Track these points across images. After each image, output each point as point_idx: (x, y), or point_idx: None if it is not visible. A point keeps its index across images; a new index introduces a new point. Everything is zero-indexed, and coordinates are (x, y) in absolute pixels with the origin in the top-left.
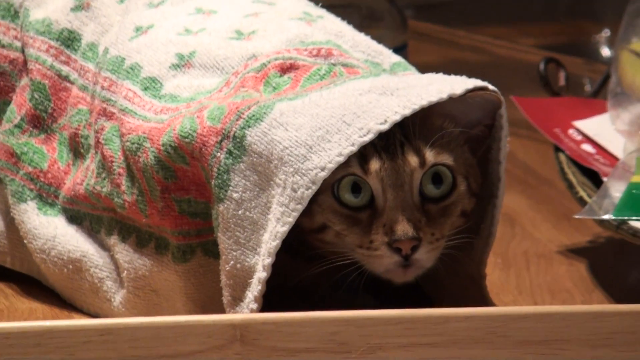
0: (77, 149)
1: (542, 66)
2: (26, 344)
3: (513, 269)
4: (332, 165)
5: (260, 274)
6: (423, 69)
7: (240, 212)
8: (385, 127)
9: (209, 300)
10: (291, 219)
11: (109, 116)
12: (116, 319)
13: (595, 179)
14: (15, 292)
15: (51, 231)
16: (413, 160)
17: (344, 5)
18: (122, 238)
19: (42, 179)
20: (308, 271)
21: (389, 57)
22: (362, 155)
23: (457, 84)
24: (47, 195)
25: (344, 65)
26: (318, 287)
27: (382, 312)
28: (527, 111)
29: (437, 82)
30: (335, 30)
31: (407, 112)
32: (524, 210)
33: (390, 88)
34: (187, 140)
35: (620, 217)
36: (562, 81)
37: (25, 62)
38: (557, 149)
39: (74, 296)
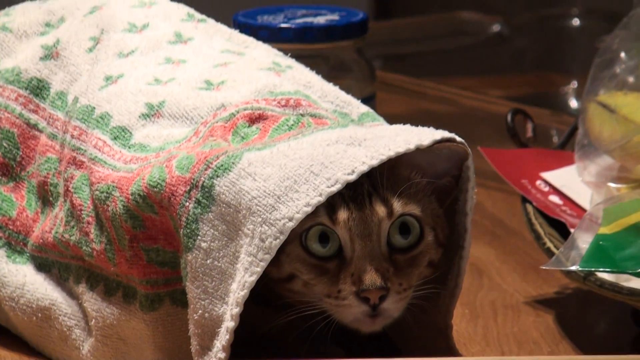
0: (45, 197)
1: (509, 117)
2: None
3: (480, 320)
4: (300, 216)
5: (229, 324)
6: (391, 119)
7: (208, 261)
8: (352, 177)
9: (177, 349)
10: (259, 269)
11: (79, 165)
12: None
13: (562, 230)
14: None
15: (20, 279)
16: (381, 210)
17: (312, 55)
18: (90, 286)
19: (10, 227)
20: (276, 320)
21: (357, 107)
22: (330, 205)
23: (425, 135)
24: (15, 243)
25: (312, 115)
26: (286, 336)
27: None
28: (495, 162)
29: (404, 133)
30: (304, 80)
31: (375, 162)
32: (492, 261)
33: (358, 139)
34: (155, 189)
35: (587, 269)
36: (529, 132)
37: None
38: (525, 200)
39: (42, 344)
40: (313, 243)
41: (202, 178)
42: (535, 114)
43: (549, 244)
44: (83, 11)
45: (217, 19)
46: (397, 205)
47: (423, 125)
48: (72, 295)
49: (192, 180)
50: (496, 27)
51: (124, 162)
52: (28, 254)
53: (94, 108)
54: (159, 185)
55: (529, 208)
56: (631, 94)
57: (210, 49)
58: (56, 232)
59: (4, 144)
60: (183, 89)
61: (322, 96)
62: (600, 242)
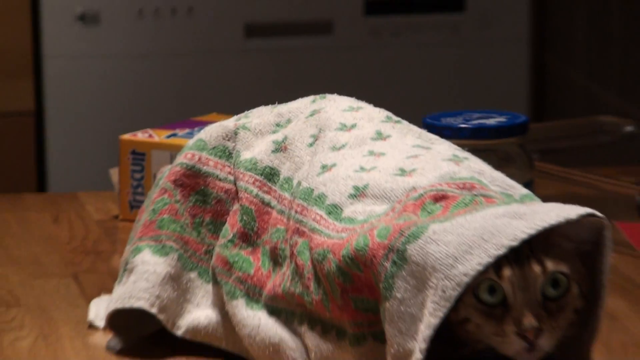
0: (276, 259)
1: (638, 198)
2: None
3: (614, 356)
4: (473, 273)
5: (418, 356)
6: (545, 199)
7: (402, 308)
8: (515, 243)
9: None
10: (441, 314)
11: (301, 234)
12: None
13: None
14: None
15: (256, 321)
16: (537, 268)
17: (484, 149)
18: (310, 327)
19: (249, 281)
20: (455, 354)
21: (519, 190)
22: (497, 264)
23: (572, 211)
24: (252, 294)
25: (484, 195)
26: None
27: None
28: (628, 232)
29: (556, 209)
30: (478, 169)
31: (533, 232)
32: (622, 309)
33: (519, 213)
34: (361, 252)
35: None
36: None
37: (236, 191)
38: None
39: None
40: (483, 294)
41: (397, 244)
42: None
43: None
44: (305, 114)
45: (410, 121)
46: (550, 265)
47: (571, 203)
48: (296, 334)
49: (389, 246)
50: (629, 128)
51: (336, 232)
52: (262, 303)
53: (313, 190)
54: (363, 249)
55: None
56: None
57: (404, 144)
58: (284, 286)
59: (244, 218)
60: (382, 175)
61: (492, 181)
62: None
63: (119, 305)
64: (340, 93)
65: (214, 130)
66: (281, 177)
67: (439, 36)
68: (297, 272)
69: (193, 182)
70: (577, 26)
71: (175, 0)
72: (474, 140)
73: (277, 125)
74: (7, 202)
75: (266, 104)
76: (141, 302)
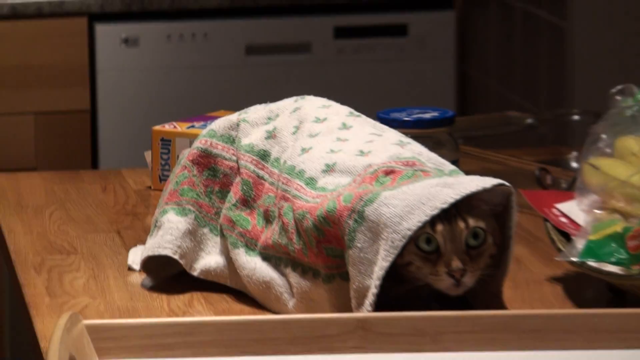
0: (267, 218)
1: (537, 173)
2: (238, 329)
3: (518, 289)
4: (414, 228)
5: (373, 290)
6: (468, 173)
7: (361, 254)
8: (445, 206)
9: (343, 305)
10: (391, 259)
11: (286, 199)
12: (291, 315)
13: (567, 237)
14: (232, 300)
15: (252, 265)
16: (462, 224)
17: (422, 136)
18: (293, 269)
19: (247, 235)
20: (400, 289)
21: (448, 166)
22: (432, 221)
23: (488, 181)
24: (250, 245)
25: (422, 170)
26: (407, 298)
27: (444, 313)
28: (529, 197)
29: (476, 180)
30: (417, 150)
31: (458, 197)
32: (525, 255)
33: (448, 183)
34: (331, 213)
35: (581, 259)
36: (548, 181)
37: (238, 168)
38: (546, 220)
39: (265, 303)
40: (422, 243)
41: (358, 207)
42: (553, 170)
43: (560, 245)
44: (289, 110)
45: (367, 115)
46: (472, 222)
47: (486, 176)
48: (283, 274)
49: (352, 208)
50: (529, 120)
51: (312, 198)
52: (257, 251)
53: (295, 167)
54: (333, 211)
55: (548, 224)
56: (608, 159)
57: (363, 132)
58: (274, 239)
59: (244, 187)
60: (347, 155)
61: (428, 160)
62: (590, 244)
63: (150, 253)
64: (316, 95)
65: (222, 123)
66: (272, 157)
67: (389, 54)
68: (283, 228)
69: (206, 161)
70: (489, 44)
71: (194, 27)
72: (414, 130)
73: (269, 118)
74: (68, 177)
75: (261, 103)
76: (167, 251)
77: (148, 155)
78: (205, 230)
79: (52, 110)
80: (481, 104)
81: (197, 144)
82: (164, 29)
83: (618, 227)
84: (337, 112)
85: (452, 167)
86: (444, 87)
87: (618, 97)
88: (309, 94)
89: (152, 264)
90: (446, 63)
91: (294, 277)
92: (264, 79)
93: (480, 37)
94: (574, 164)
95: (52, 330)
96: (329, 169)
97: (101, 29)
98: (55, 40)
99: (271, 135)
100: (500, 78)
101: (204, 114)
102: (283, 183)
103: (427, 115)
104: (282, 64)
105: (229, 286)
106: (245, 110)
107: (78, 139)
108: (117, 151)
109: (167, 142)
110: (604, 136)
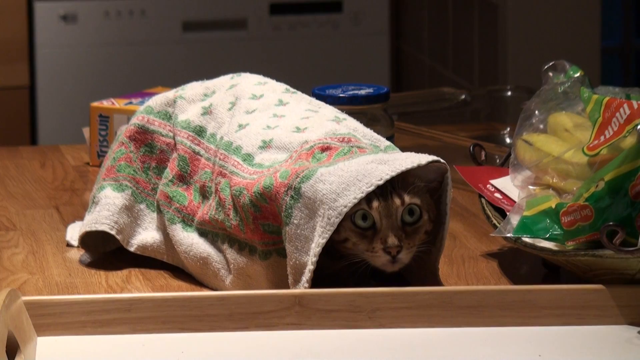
0: (204, 194)
1: (471, 149)
2: (176, 305)
3: (454, 265)
4: (350, 204)
5: (310, 267)
6: (402, 149)
7: (298, 231)
8: (381, 182)
9: (280, 282)
10: (327, 235)
11: (223, 175)
12: (227, 291)
13: (502, 213)
14: (170, 276)
15: (189, 241)
16: (397, 201)
17: (358, 112)
18: (230, 245)
19: (184, 211)
20: (337, 266)
21: (384, 142)
22: (368, 198)
23: (423, 158)
24: (187, 220)
25: (358, 147)
26: (343, 274)
27: (380, 289)
28: (463, 174)
29: (411, 157)
30: (353, 126)
31: (394, 174)
32: (461, 231)
33: (384, 160)
34: (267, 189)
35: (516, 235)
36: (482, 157)
37: (174, 144)
38: (480, 196)
39: (203, 279)
40: (358, 220)
41: (294, 183)
42: (486, 146)
43: (495, 221)
44: (226, 87)
45: (303, 92)
46: (407, 198)
47: (421, 152)
48: (220, 250)
49: (288, 184)
50: (463, 96)
51: (249, 174)
52: (194, 227)
53: (232, 142)
54: (269, 187)
55: (483, 201)
56: (541, 135)
57: (299, 109)
58: (210, 214)
59: (180, 163)
60: (283, 132)
61: (363, 136)
62: (524, 220)
63: (88, 228)
64: (252, 72)
65: (159, 99)
66: (208, 133)
67: (324, 30)
68: (220, 204)
69: (143, 137)
70: (423, 21)
71: (132, 4)
72: (350, 106)
73: (205, 95)
74: (7, 153)
75: (197, 80)
76: (104, 226)
77: (86, 131)
78: (142, 206)
79: None
80: (415, 80)
81: (134, 120)
82: (102, 6)
83: (552, 203)
84: (273, 88)
85: (388, 143)
86: (379, 63)
87: (550, 74)
88: (245, 70)
89: (90, 240)
90: (381, 39)
91: (231, 253)
92: (201, 56)
93: (415, 13)
94: (508, 140)
95: None
96: (266, 145)
97: (40, 6)
98: None
99: (207, 112)
100: (434, 54)
101: (142, 91)
102: (220, 159)
103: (362, 92)
104: (219, 41)
105: (166, 262)
106: (182, 87)
107: (17, 114)
108: (56, 127)
109: (105, 119)
110: (537, 112)
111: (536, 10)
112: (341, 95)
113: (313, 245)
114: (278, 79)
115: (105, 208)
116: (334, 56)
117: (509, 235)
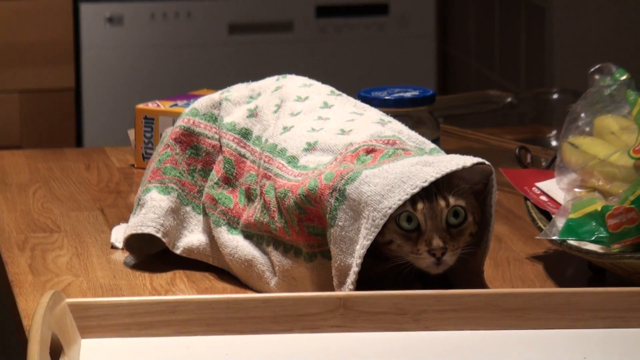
0: (249, 197)
1: (517, 151)
2: (220, 307)
3: (500, 268)
4: (395, 206)
5: (355, 269)
6: (448, 152)
7: (343, 233)
8: (426, 184)
9: (325, 284)
10: (372, 237)
11: (268, 178)
12: (273, 294)
13: (548, 216)
14: (214, 278)
15: (234, 243)
16: (442, 203)
17: (403, 115)
18: (275, 247)
19: (229, 214)
20: (382, 267)
21: (429, 145)
22: (413, 199)
23: (468, 160)
24: (232, 223)
25: (402, 149)
26: (388, 276)
27: (425, 292)
28: (509, 176)
29: (456, 159)
30: (398, 129)
31: (439, 175)
32: (506, 234)
33: (429, 162)
34: (312, 191)
35: (561, 238)
36: (528, 160)
37: (220, 146)
38: (526, 199)
39: (248, 281)
40: (403, 222)
41: (339, 185)
42: (532, 149)
43: (540, 224)
44: (271, 89)
45: (348, 94)
46: (452, 200)
47: (466, 155)
48: (264, 252)
49: (333, 186)
50: (509, 99)
51: (294, 176)
52: (239, 229)
53: (277, 145)
54: (314, 189)
55: (528, 203)
56: (587, 137)
57: (344, 111)
58: (255, 217)
59: (226, 166)
60: (328, 134)
61: (409, 138)
62: (570, 223)
63: (133, 231)
64: (297, 74)
65: (204, 101)
66: (253, 135)
67: (370, 32)
68: (265, 206)
69: (189, 140)
70: (469, 24)
71: (178, 6)
72: (395, 108)
73: (251, 97)
74: (52, 155)
75: (242, 82)
76: (150, 229)
77: (131, 133)
78: (188, 208)
79: (37, 89)
80: (461, 82)
81: (180, 122)
82: (148, 8)
83: (598, 206)
84: (318, 91)
85: (433, 145)
86: (425, 65)
87: (597, 76)
88: (290, 72)
89: (134, 242)
90: (427, 42)
91: (276, 256)
92: (247, 58)
93: (461, 16)
94: (554, 143)
95: (35, 309)
96: (311, 147)
97: (86, 8)
98: (40, 19)
99: (253, 114)
100: (481, 57)
101: (187, 93)
102: (265, 161)
103: (408, 94)
104: (264, 43)
105: (211, 264)
106: (227, 89)
107: (62, 117)
108: (101, 129)
109: (150, 121)
110: (583, 115)
111: (582, 13)
112: (387, 97)
113: (358, 247)
114: (323, 81)
115: (152, 211)
116: (379, 59)
117: (554, 237)
